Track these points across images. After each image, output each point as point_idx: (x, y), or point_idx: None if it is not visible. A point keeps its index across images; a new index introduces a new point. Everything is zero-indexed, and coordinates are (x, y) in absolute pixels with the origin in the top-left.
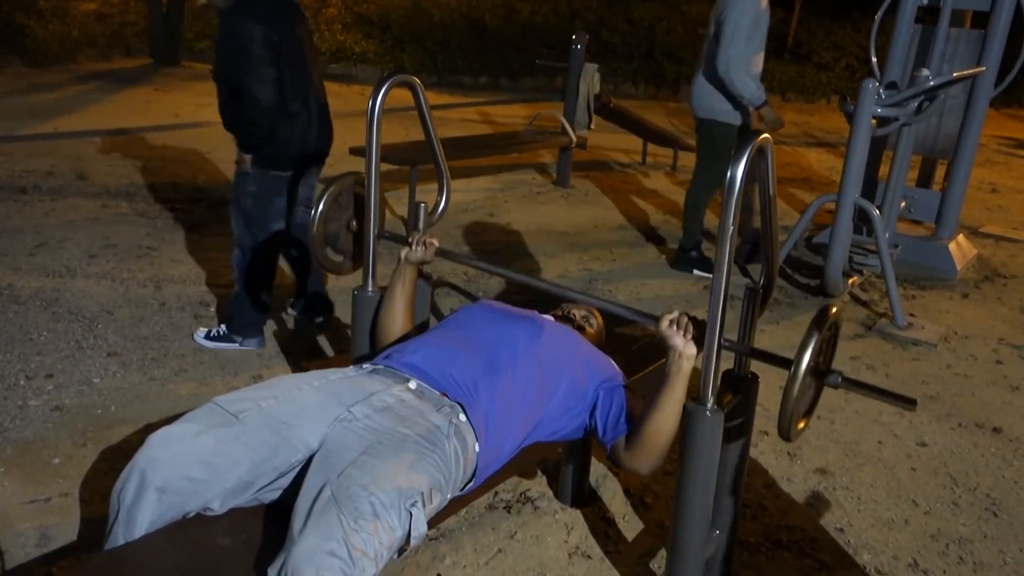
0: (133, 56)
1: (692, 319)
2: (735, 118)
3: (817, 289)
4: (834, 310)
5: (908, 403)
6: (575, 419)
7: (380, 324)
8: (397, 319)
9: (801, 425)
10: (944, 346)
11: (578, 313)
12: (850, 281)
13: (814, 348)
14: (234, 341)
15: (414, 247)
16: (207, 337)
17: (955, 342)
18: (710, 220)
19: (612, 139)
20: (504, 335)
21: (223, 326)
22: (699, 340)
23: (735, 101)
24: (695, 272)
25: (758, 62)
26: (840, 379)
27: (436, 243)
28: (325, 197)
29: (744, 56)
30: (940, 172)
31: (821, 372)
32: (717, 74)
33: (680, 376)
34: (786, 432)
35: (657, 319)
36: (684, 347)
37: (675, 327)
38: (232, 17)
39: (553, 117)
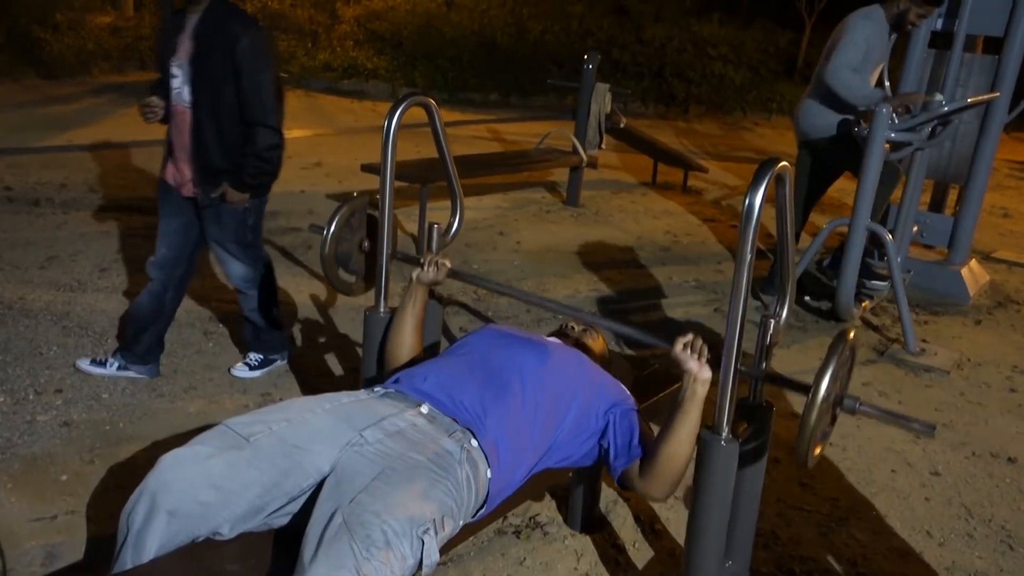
0: (147, 69)
1: (707, 342)
2: (841, 128)
3: (829, 313)
4: (851, 335)
5: (927, 429)
6: (586, 443)
7: (389, 345)
8: (407, 340)
9: (818, 451)
10: (957, 373)
11: (581, 332)
12: (863, 305)
13: (832, 374)
14: (274, 361)
15: (426, 268)
16: (251, 369)
17: (968, 369)
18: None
19: (622, 159)
20: (512, 360)
21: (255, 355)
22: (714, 364)
23: (842, 116)
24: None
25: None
26: (858, 405)
27: (448, 264)
28: (337, 218)
29: (852, 66)
30: (952, 197)
31: (838, 397)
32: (821, 90)
33: (695, 401)
34: (803, 459)
35: (671, 344)
36: (699, 371)
37: (689, 351)
38: (259, 33)
39: (564, 136)
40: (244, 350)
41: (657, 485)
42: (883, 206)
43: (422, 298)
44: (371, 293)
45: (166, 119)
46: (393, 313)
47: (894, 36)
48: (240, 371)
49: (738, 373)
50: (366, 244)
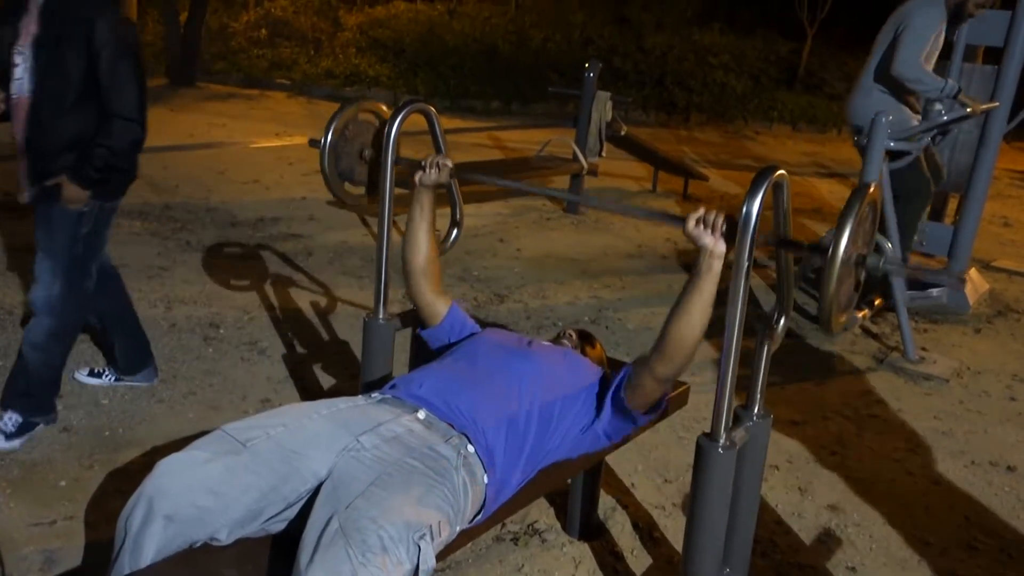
0: (150, 76)
1: (721, 214)
2: (905, 124)
3: None
4: (872, 189)
5: (955, 280)
6: (584, 438)
7: (408, 256)
8: (422, 246)
9: (843, 319)
10: (956, 381)
11: (580, 339)
12: (860, 315)
13: (850, 232)
14: (35, 425)
15: (428, 169)
16: (6, 438)
17: (967, 377)
18: None
19: (623, 166)
20: (509, 366)
21: (13, 415)
22: (729, 237)
23: (906, 107)
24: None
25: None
26: (882, 263)
27: (450, 164)
28: (332, 128)
29: (920, 57)
30: (952, 205)
31: (860, 257)
32: (886, 82)
33: (710, 275)
34: (827, 323)
35: (683, 220)
36: (714, 245)
37: (702, 226)
38: (116, 14)
39: (564, 143)
40: (244, 354)
41: (667, 363)
42: (917, 221)
43: (429, 202)
44: (369, 300)
45: (7, 115)
46: (394, 320)
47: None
48: None
49: (736, 379)
50: (366, 152)
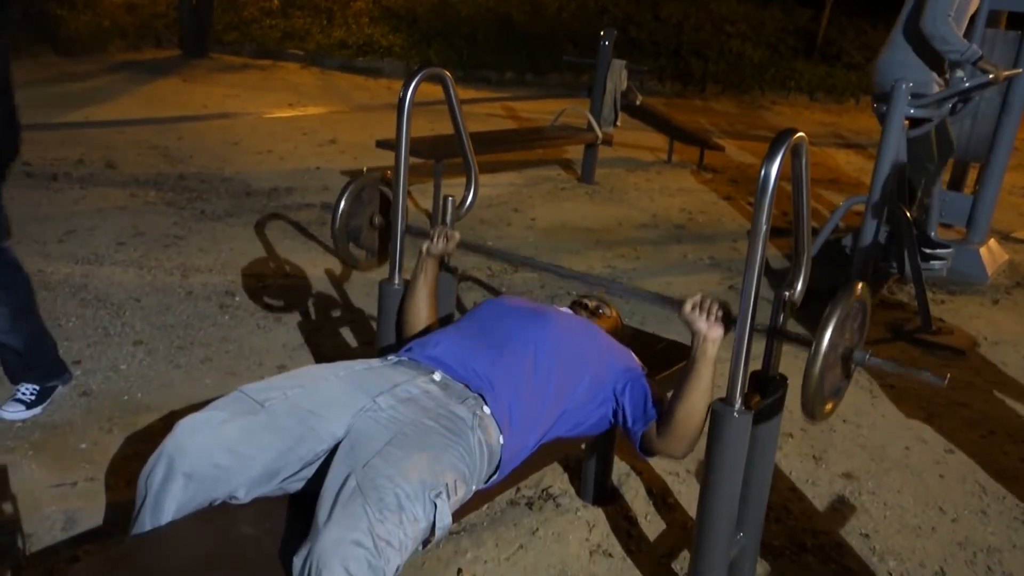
0: (163, 47)
1: (716, 301)
2: (927, 87)
3: None
4: (859, 287)
5: (938, 380)
6: (598, 409)
7: (404, 318)
8: (420, 312)
9: (829, 407)
10: (973, 352)
11: (595, 306)
12: (892, 280)
13: (836, 325)
14: (54, 388)
15: (436, 240)
16: (27, 407)
17: (985, 348)
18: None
19: (638, 136)
20: (524, 329)
21: (30, 386)
22: (725, 322)
23: (931, 69)
24: None
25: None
26: (867, 358)
27: (458, 236)
28: (347, 193)
29: (947, 15)
30: (972, 175)
31: (847, 351)
32: (914, 39)
33: (706, 360)
34: (810, 411)
35: (680, 304)
36: (709, 330)
37: (698, 311)
38: None
39: (579, 113)
40: (260, 321)
41: (675, 444)
42: (919, 190)
43: (433, 270)
44: (381, 268)
45: None
46: (406, 287)
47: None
48: (13, 411)
49: (751, 344)
50: (377, 219)
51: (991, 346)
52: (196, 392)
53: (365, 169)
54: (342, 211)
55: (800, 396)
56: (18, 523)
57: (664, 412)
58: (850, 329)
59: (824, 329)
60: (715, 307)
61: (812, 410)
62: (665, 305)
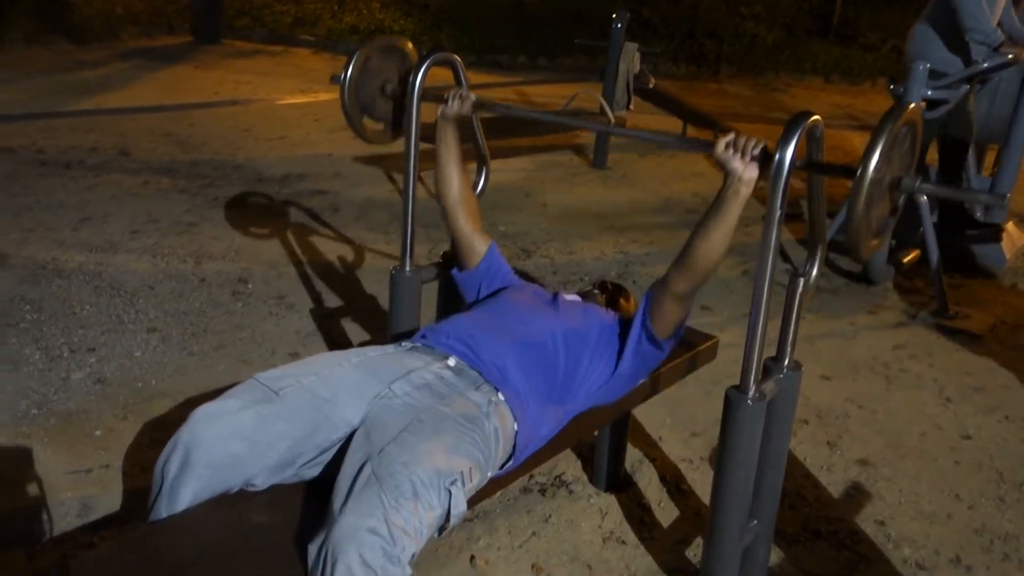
0: (175, 34)
1: (752, 139)
2: (949, 66)
3: (860, 276)
4: (912, 106)
5: (996, 199)
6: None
7: (441, 191)
8: (454, 179)
9: (874, 243)
10: (991, 337)
11: (613, 291)
12: (911, 255)
13: (882, 152)
14: None
15: (451, 102)
16: None
17: (1003, 333)
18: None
19: (651, 120)
20: (537, 318)
21: None
22: (761, 163)
23: (955, 48)
24: None
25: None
26: (918, 184)
27: (473, 97)
28: (352, 62)
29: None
30: (991, 158)
31: (894, 180)
32: (943, 13)
33: (737, 200)
34: (856, 245)
35: (712, 144)
36: (744, 170)
37: (732, 149)
38: None
39: (592, 97)
40: (273, 308)
41: (686, 279)
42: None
43: (453, 134)
44: (395, 252)
45: None
46: (419, 273)
47: None
48: None
49: (766, 331)
50: (388, 87)
51: (1009, 330)
52: (210, 379)
53: (374, 153)
54: (348, 82)
55: (846, 232)
56: (37, 508)
57: (682, 250)
58: (898, 156)
59: (868, 158)
60: (750, 145)
61: (857, 244)
62: (693, 148)
